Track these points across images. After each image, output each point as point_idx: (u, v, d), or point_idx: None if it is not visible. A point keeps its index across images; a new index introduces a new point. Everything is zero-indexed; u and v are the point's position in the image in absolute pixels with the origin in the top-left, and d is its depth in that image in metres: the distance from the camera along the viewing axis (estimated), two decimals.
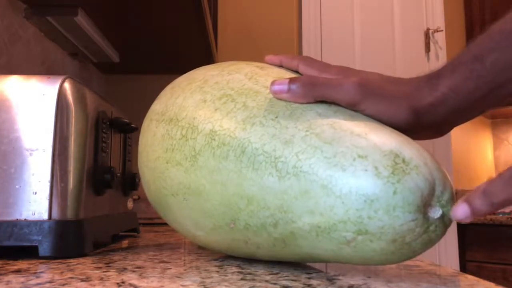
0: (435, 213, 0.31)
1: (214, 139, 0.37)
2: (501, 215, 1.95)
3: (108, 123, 0.57)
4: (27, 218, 0.47)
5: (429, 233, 0.31)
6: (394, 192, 0.30)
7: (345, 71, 0.41)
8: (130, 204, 0.70)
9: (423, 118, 0.37)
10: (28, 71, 0.96)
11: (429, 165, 0.31)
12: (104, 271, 0.38)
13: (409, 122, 0.37)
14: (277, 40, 1.79)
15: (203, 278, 0.35)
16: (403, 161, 0.31)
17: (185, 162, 0.39)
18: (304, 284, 0.33)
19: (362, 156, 0.31)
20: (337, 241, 0.32)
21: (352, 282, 0.33)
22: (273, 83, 0.37)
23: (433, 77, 0.38)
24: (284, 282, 0.33)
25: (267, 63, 0.44)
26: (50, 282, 0.34)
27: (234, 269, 0.39)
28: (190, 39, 1.17)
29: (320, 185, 0.31)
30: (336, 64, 0.42)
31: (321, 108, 0.36)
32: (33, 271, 0.38)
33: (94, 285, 0.32)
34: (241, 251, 0.40)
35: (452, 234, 1.98)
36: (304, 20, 1.91)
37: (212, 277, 0.35)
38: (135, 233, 0.75)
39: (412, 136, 0.35)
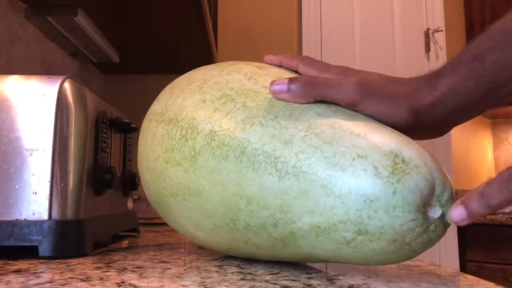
0: (435, 213, 0.31)
1: (214, 139, 0.37)
2: (501, 215, 1.95)
3: (108, 123, 0.57)
4: (27, 218, 0.47)
5: (429, 233, 0.31)
6: (394, 192, 0.30)
7: (345, 71, 0.41)
8: (130, 204, 0.70)
9: (423, 118, 0.37)
10: (28, 71, 0.96)
11: (429, 165, 0.31)
12: (104, 271, 0.38)
13: (409, 122, 0.37)
14: (277, 40, 1.79)
15: (203, 278, 0.35)
16: (403, 161, 0.31)
17: (184, 162, 0.39)
18: (304, 284, 0.33)
19: (361, 156, 0.31)
20: (337, 241, 0.32)
21: (352, 282, 0.33)
22: (272, 83, 0.37)
23: (433, 77, 0.38)
24: (284, 282, 0.33)
25: (267, 63, 0.44)
26: (50, 282, 0.34)
27: (234, 269, 0.39)
28: (190, 39, 1.17)
29: (319, 185, 0.31)
30: (336, 64, 0.42)
31: (320, 108, 0.36)
32: (33, 271, 0.38)
33: (94, 285, 0.32)
34: (241, 251, 0.40)
35: (452, 234, 1.98)
36: (304, 20, 1.91)
37: (212, 277, 0.35)
38: (135, 233, 0.75)
39: (411, 136, 0.35)
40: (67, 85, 0.50)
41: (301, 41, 1.89)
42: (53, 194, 0.47)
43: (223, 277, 0.35)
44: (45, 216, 0.47)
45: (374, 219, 0.30)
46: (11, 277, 0.36)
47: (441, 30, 2.07)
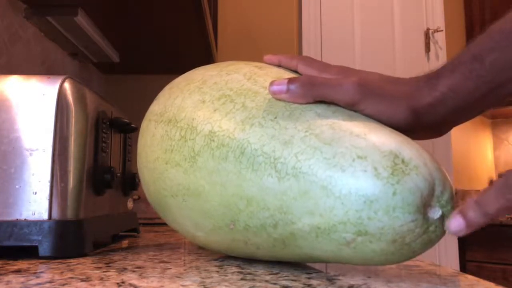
0: (435, 213, 0.31)
1: (213, 140, 0.37)
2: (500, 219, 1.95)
3: (108, 123, 0.57)
4: (27, 218, 0.47)
5: (429, 234, 0.31)
6: (394, 193, 0.30)
7: (344, 71, 0.41)
8: (130, 204, 0.70)
9: (423, 118, 0.37)
10: (28, 71, 0.96)
11: (429, 165, 0.31)
12: (104, 271, 0.38)
13: (409, 122, 0.37)
14: (277, 40, 1.79)
15: (203, 278, 0.35)
16: (403, 161, 0.31)
17: (184, 163, 0.39)
18: (304, 284, 0.33)
19: (361, 157, 0.31)
20: (337, 242, 0.32)
21: (352, 282, 0.33)
22: (272, 83, 0.37)
23: (433, 77, 0.38)
24: (284, 282, 0.33)
25: (266, 63, 0.44)
26: (50, 282, 0.34)
27: (234, 269, 0.39)
28: (190, 39, 1.17)
29: (319, 186, 0.31)
30: (336, 64, 0.42)
31: (320, 108, 0.36)
32: (33, 271, 0.38)
33: (94, 285, 0.32)
34: (241, 252, 0.40)
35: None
36: (304, 20, 1.91)
37: (212, 277, 0.35)
38: (135, 233, 0.75)
39: (411, 136, 0.35)
40: (67, 85, 0.50)
41: (301, 41, 1.89)
42: (53, 194, 0.47)
43: (223, 277, 0.35)
44: (45, 216, 0.47)
45: (374, 220, 0.30)
46: (11, 277, 0.36)
47: (441, 30, 2.07)
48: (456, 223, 0.31)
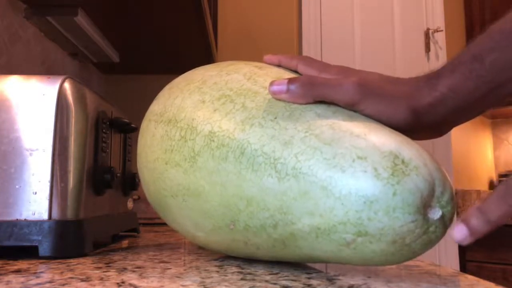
0: (435, 214, 0.31)
1: (213, 140, 0.37)
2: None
3: (108, 123, 0.57)
4: (27, 218, 0.47)
5: (429, 234, 0.31)
6: (394, 194, 0.30)
7: (344, 71, 0.41)
8: (130, 204, 0.70)
9: (423, 118, 0.37)
10: (28, 71, 0.96)
11: (429, 165, 0.31)
12: (104, 271, 0.38)
13: (409, 122, 0.37)
14: (277, 40, 1.79)
15: (203, 278, 0.35)
16: (403, 162, 0.31)
17: (184, 163, 0.39)
18: (304, 284, 0.33)
19: (361, 157, 0.31)
20: (337, 243, 0.32)
21: (352, 282, 0.33)
22: (271, 83, 0.37)
23: (433, 77, 0.38)
24: (284, 282, 0.33)
25: (266, 63, 0.44)
26: (50, 282, 0.34)
27: (234, 269, 0.39)
28: (190, 39, 1.17)
29: (319, 187, 0.31)
30: (336, 64, 0.42)
31: (320, 108, 0.36)
32: (33, 271, 0.38)
33: (94, 285, 0.32)
34: (240, 252, 0.40)
35: None
36: (304, 20, 1.91)
37: (212, 277, 0.35)
38: (135, 233, 0.75)
39: (411, 136, 0.35)
40: (67, 85, 0.50)
41: (301, 41, 1.89)
42: (53, 194, 0.47)
43: (223, 277, 0.35)
44: (45, 216, 0.47)
45: (374, 220, 0.30)
46: (11, 277, 0.36)
47: (441, 30, 2.07)
48: (460, 232, 0.31)
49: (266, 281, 0.34)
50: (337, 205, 0.30)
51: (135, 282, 0.34)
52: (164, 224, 0.90)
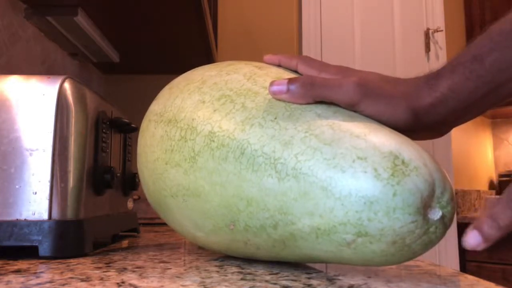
0: (435, 214, 0.31)
1: (213, 140, 0.37)
2: None
3: (108, 123, 0.57)
4: (27, 218, 0.47)
5: (429, 235, 0.31)
6: (394, 194, 0.30)
7: (344, 71, 0.41)
8: (130, 204, 0.70)
9: (423, 118, 0.37)
10: (28, 71, 0.96)
11: (429, 166, 0.31)
12: (104, 271, 0.38)
13: (408, 122, 0.37)
14: (277, 40, 1.79)
15: (203, 278, 0.35)
16: (403, 162, 0.31)
17: (184, 163, 0.39)
18: (304, 284, 0.33)
19: (361, 158, 0.31)
20: (337, 243, 0.32)
21: (352, 282, 0.33)
22: (271, 83, 0.37)
23: (432, 77, 0.38)
24: (284, 282, 0.33)
25: (266, 63, 0.44)
26: (50, 282, 0.34)
27: (234, 269, 0.39)
28: (190, 39, 1.17)
29: (319, 187, 0.31)
30: (336, 64, 0.42)
31: (320, 109, 0.36)
32: (33, 271, 0.38)
33: (94, 285, 0.32)
34: (240, 252, 0.40)
35: (452, 234, 1.98)
36: (304, 20, 1.91)
37: (212, 277, 0.35)
38: (135, 233, 0.75)
39: (411, 137, 0.35)
40: (67, 85, 0.50)
41: (301, 41, 1.89)
42: (53, 194, 0.47)
43: (223, 277, 0.35)
44: (45, 216, 0.47)
45: (374, 221, 0.30)
46: (11, 277, 0.36)
47: (441, 30, 2.07)
48: (474, 239, 0.31)
49: (266, 281, 0.34)
50: (337, 206, 0.30)
51: (135, 282, 0.34)
52: (164, 224, 0.90)
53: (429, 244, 0.31)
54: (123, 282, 0.34)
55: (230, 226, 0.37)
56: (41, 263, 0.43)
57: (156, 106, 0.45)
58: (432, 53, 2.07)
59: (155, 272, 0.38)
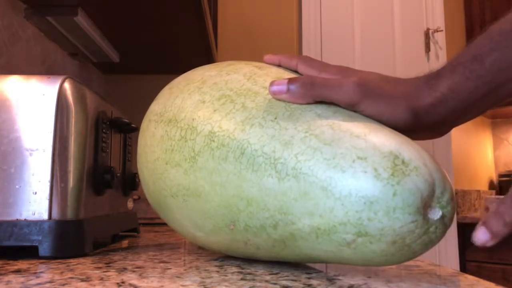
0: (435, 214, 0.31)
1: (213, 140, 0.37)
2: None
3: (108, 123, 0.57)
4: (27, 218, 0.47)
5: (429, 234, 0.31)
6: (394, 194, 0.30)
7: (344, 70, 0.41)
8: (130, 204, 0.70)
9: (423, 118, 0.37)
10: (28, 71, 0.96)
11: (429, 166, 0.31)
12: (104, 271, 0.38)
13: (408, 122, 0.37)
14: (277, 40, 1.79)
15: (203, 278, 0.35)
16: (403, 162, 0.31)
17: (184, 163, 0.39)
18: (304, 284, 0.33)
19: (361, 158, 0.31)
20: (337, 243, 0.32)
21: (352, 282, 0.33)
22: (272, 83, 0.37)
23: (432, 77, 0.38)
24: (284, 282, 0.33)
25: (266, 63, 0.44)
26: (50, 282, 0.34)
27: (234, 269, 0.39)
28: (190, 39, 1.17)
29: (319, 187, 0.31)
30: (336, 64, 0.42)
31: (320, 109, 0.36)
32: (33, 271, 0.38)
33: (94, 285, 0.32)
34: (240, 252, 0.40)
35: (452, 234, 1.98)
36: (304, 20, 1.91)
37: (212, 277, 0.35)
38: (135, 233, 0.75)
39: (411, 137, 0.35)
40: (67, 85, 0.50)
41: (301, 41, 1.89)
42: (53, 194, 0.47)
43: (223, 277, 0.35)
44: (45, 216, 0.47)
45: (374, 221, 0.30)
46: (11, 277, 0.36)
47: (441, 30, 2.07)
48: (482, 235, 0.32)
49: (266, 281, 0.34)
50: (337, 206, 0.30)
51: (135, 282, 0.34)
52: (164, 224, 0.90)
53: (429, 244, 0.31)
54: (123, 282, 0.34)
55: (230, 226, 0.37)
56: (41, 263, 0.43)
57: (156, 106, 0.45)
58: (432, 53, 2.07)
59: (155, 272, 0.38)
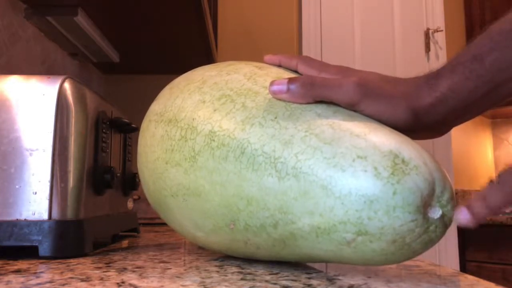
0: (435, 213, 0.31)
1: (214, 140, 0.37)
2: (501, 215, 1.95)
3: (108, 123, 0.57)
4: (27, 218, 0.47)
5: (429, 233, 0.31)
6: (394, 193, 0.30)
7: (344, 70, 0.41)
8: (130, 204, 0.70)
9: (423, 118, 0.37)
10: (28, 71, 0.96)
11: (429, 165, 0.31)
12: (104, 271, 0.38)
13: (408, 122, 0.37)
14: (277, 40, 1.79)
15: (203, 278, 0.35)
16: (403, 161, 0.31)
17: (184, 162, 0.39)
18: (304, 284, 0.33)
19: (361, 157, 0.31)
20: (337, 242, 0.32)
21: (352, 282, 0.33)
22: (272, 83, 0.37)
23: (432, 77, 0.38)
24: (284, 282, 0.33)
25: (266, 63, 0.44)
26: (50, 282, 0.34)
27: (234, 269, 0.39)
28: (190, 39, 1.17)
29: (319, 186, 0.31)
30: (336, 64, 0.42)
31: (320, 108, 0.36)
32: (33, 271, 0.38)
33: (94, 285, 0.32)
34: (241, 252, 0.40)
35: (452, 234, 1.98)
36: (304, 20, 1.91)
37: (212, 277, 0.35)
38: (135, 233, 0.75)
39: (411, 136, 0.35)
40: (67, 85, 0.50)
41: (301, 41, 1.89)
42: (53, 194, 0.48)
43: (223, 277, 0.35)
44: (45, 216, 0.47)
45: (374, 219, 0.30)
46: (11, 277, 0.36)
47: (441, 30, 2.07)
48: (464, 216, 0.32)
49: (266, 281, 0.34)
50: (337, 205, 0.31)
51: (135, 282, 0.34)
52: (164, 224, 0.90)
53: (429, 243, 0.31)
54: (123, 282, 0.34)
55: (230, 226, 0.37)
56: (41, 263, 0.43)
57: (156, 106, 0.45)
58: (432, 53, 2.07)
59: (155, 272, 0.38)
